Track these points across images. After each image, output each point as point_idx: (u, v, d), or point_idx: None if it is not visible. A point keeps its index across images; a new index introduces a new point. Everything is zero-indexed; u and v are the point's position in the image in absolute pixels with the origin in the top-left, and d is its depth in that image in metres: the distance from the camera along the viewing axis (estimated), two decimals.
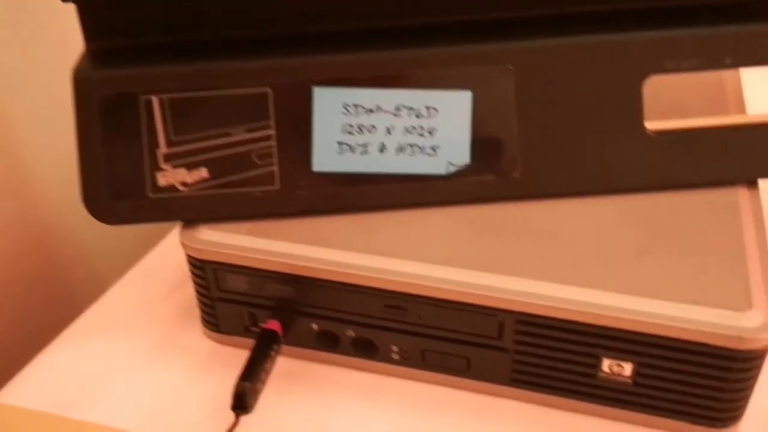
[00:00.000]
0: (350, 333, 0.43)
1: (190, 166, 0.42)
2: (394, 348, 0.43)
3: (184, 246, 0.43)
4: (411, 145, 0.43)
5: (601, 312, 0.37)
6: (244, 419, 0.41)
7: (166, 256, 0.54)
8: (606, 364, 0.39)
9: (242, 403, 0.40)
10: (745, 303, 0.36)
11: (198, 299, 0.46)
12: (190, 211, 0.43)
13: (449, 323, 0.41)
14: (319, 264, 0.41)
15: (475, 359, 0.42)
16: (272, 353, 0.42)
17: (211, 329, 0.46)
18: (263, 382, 0.42)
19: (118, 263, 0.59)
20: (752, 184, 0.44)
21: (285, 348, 0.44)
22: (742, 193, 0.43)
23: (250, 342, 0.43)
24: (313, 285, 0.41)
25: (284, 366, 0.44)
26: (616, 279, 0.38)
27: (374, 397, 0.43)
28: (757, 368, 0.37)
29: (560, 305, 0.38)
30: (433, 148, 0.42)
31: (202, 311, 0.46)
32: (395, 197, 0.42)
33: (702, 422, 0.39)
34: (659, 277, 0.38)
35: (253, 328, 0.45)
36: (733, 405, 0.38)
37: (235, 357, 0.45)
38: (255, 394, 0.41)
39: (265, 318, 0.44)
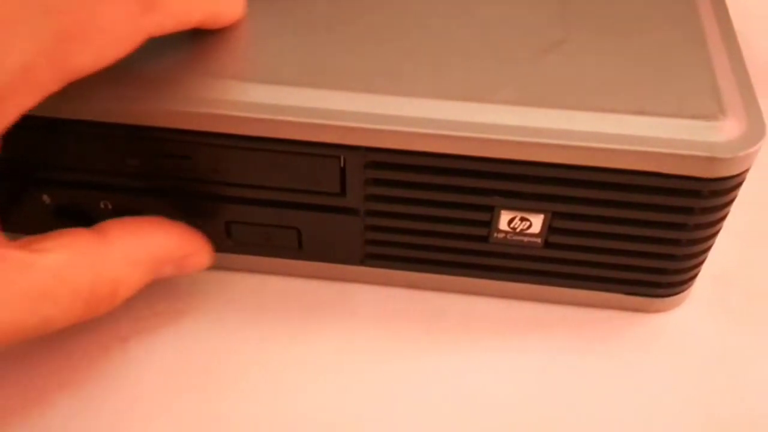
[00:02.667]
0: (106, 204, 0.27)
1: None
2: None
3: None
4: None
5: (497, 137, 0.23)
6: None
7: None
8: (504, 220, 0.26)
9: None
10: (714, 110, 0.23)
11: None
12: None
13: (264, 177, 0.26)
14: None
15: (309, 231, 0.27)
16: None
17: None
18: None
19: None
20: None
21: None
22: None
23: None
24: (37, 129, 0.25)
25: None
26: (518, 85, 0.24)
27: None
28: (729, 206, 0.25)
29: (433, 131, 0.23)
30: None
31: None
32: None
33: (642, 292, 0.27)
34: (583, 79, 0.24)
35: None
36: (688, 264, 0.26)
37: None
38: None
39: None
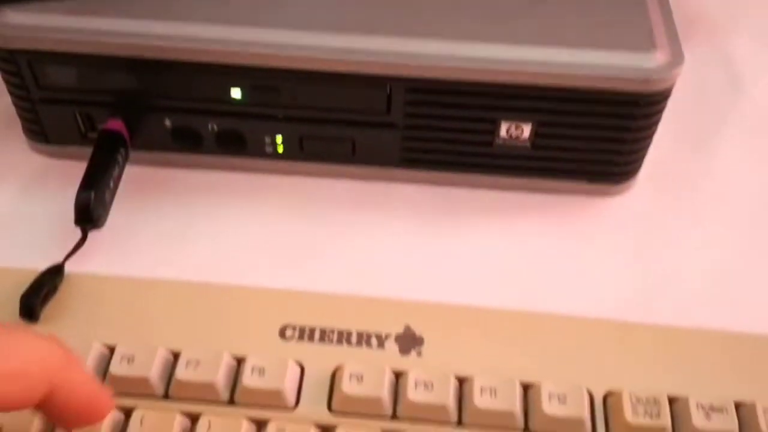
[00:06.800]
0: (213, 126, 0.36)
1: None
2: (267, 139, 0.37)
3: None
4: None
5: (500, 67, 0.33)
6: (95, 236, 0.34)
7: None
8: (504, 129, 0.36)
9: (88, 215, 0.33)
10: (648, 44, 0.34)
11: (15, 104, 0.37)
12: None
13: (330, 101, 0.35)
14: (166, 41, 0.33)
15: (362, 141, 0.37)
16: (119, 159, 0.35)
17: (37, 140, 0.38)
18: (112, 193, 0.35)
19: None
20: None
21: (134, 154, 0.37)
22: None
23: (90, 151, 0.35)
24: (161, 69, 0.34)
25: (136, 174, 0.37)
26: (512, 29, 0.34)
27: (249, 198, 0.38)
28: (660, 113, 0.35)
29: (457, 64, 0.33)
30: None
31: (23, 119, 0.37)
32: None
33: (601, 180, 0.38)
34: (558, 24, 0.34)
35: (92, 134, 0.37)
36: (632, 157, 0.37)
37: (74, 171, 0.36)
38: (103, 205, 0.34)
39: (105, 118, 0.36)
